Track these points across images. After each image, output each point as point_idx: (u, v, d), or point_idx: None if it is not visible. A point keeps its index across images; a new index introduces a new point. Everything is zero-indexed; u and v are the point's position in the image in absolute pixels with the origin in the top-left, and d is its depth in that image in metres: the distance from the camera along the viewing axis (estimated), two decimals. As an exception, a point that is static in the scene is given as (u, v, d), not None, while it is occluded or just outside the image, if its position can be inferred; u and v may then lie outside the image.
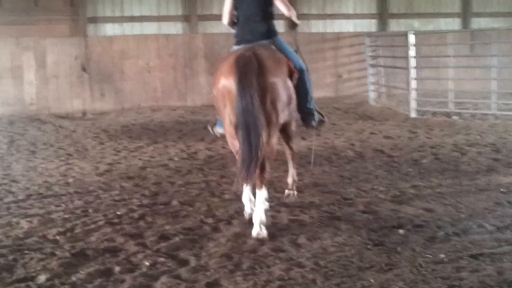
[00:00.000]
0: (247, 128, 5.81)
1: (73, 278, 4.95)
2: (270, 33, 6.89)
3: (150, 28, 18.80)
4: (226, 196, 7.62)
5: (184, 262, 5.30)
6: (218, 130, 7.29)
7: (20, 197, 7.87)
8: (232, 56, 6.28)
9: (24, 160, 10.72)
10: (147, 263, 5.25)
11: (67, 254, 5.51)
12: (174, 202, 7.39)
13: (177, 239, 5.93)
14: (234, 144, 6.31)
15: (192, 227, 6.33)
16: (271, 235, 5.91)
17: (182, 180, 8.67)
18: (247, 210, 6.63)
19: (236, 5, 6.99)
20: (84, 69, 17.83)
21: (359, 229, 6.11)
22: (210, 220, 6.56)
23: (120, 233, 6.13)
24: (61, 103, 17.64)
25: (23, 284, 4.83)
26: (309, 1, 20.30)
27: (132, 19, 18.72)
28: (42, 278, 4.95)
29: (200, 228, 6.31)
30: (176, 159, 10.39)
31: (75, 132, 14.04)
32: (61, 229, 6.32)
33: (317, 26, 20.45)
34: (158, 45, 18.24)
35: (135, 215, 6.86)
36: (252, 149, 5.77)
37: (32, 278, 4.96)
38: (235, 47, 6.85)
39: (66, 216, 6.87)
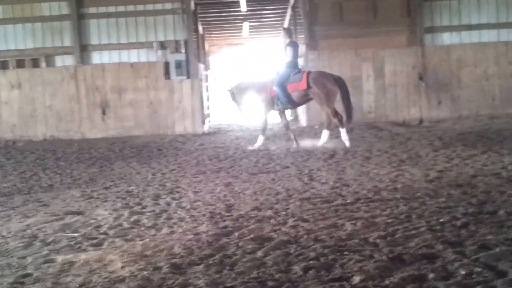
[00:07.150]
0: (349, 102, 14.37)
1: (386, 282, 4.98)
2: None
3: (488, 35, 18.37)
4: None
5: (501, 274, 5.03)
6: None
7: (348, 201, 8.19)
8: (329, 75, 14.43)
9: (358, 165, 11.17)
10: (462, 272, 5.11)
11: (384, 257, 5.56)
12: (501, 212, 7.02)
13: (497, 249, 5.63)
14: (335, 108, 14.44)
15: (516, 238, 5.98)
16: None
17: (514, 190, 8.23)
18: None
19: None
20: (421, 78, 17.98)
21: None
22: (536, 232, 6.13)
23: (439, 240, 6.02)
24: (398, 111, 18.12)
25: (337, 283, 4.99)
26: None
27: (470, 27, 18.50)
28: (356, 279, 5.06)
29: (525, 240, 5.93)
30: (510, 168, 9.93)
31: (410, 139, 14.22)
32: (382, 233, 6.41)
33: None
34: (496, 53, 17.66)
35: (458, 223, 6.68)
36: (352, 108, 14.37)
37: (347, 279, 5.10)
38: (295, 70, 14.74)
39: (389, 220, 6.96)
